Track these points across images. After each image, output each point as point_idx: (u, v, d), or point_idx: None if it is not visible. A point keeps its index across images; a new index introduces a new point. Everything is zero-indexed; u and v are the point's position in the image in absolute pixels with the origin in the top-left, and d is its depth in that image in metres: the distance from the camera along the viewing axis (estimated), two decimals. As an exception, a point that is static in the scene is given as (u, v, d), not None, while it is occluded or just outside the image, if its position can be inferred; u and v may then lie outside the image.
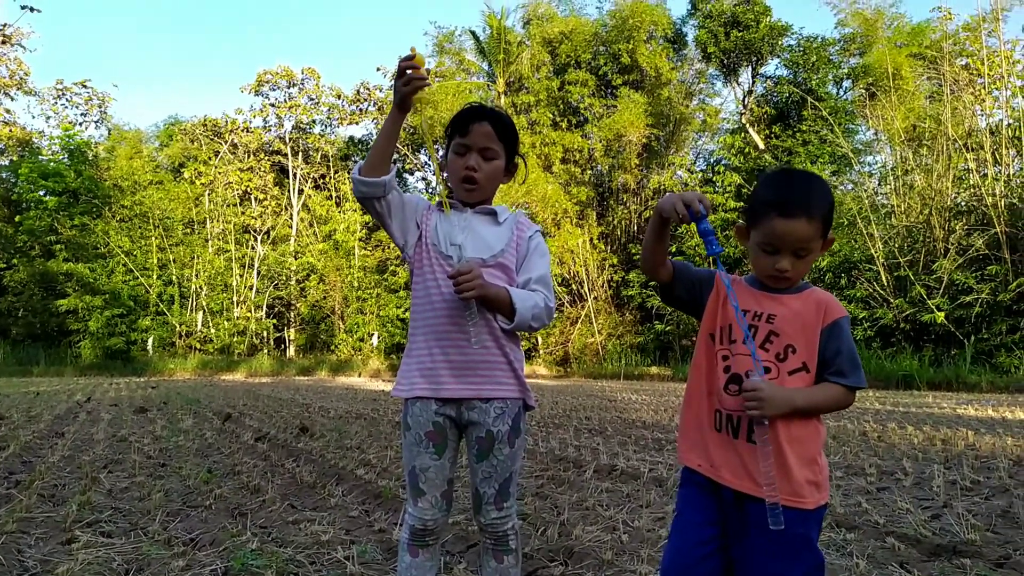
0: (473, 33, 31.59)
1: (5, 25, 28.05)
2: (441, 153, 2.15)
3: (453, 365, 1.95)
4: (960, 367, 16.38)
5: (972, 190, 19.36)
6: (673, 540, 1.68)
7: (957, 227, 18.78)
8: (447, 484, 2.01)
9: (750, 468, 1.57)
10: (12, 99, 34.43)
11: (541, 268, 2.05)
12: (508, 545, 2.04)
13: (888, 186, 21.71)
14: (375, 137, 1.95)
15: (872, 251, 19.22)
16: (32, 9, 14.71)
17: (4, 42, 26.82)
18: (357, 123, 36.92)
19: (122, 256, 29.35)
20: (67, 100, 35.98)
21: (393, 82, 1.84)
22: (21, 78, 33.68)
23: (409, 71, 1.80)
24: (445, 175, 2.09)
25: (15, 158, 33.74)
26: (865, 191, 21.91)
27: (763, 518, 1.52)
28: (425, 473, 1.97)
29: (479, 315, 1.91)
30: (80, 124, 36.02)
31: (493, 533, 2.03)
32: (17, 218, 29.96)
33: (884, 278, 18.97)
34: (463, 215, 2.04)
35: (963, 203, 19.75)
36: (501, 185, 2.19)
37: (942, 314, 17.20)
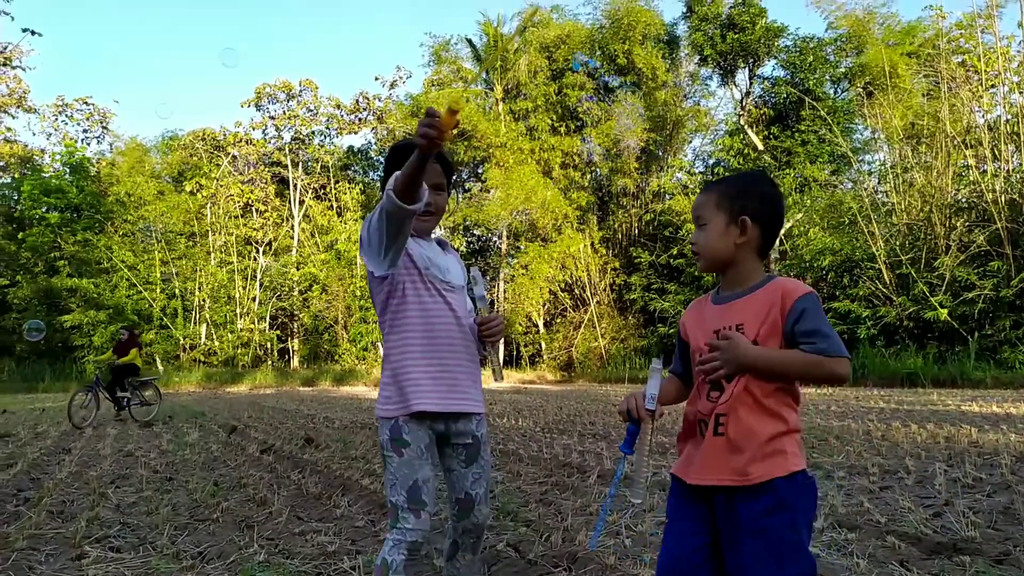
0: (469, 41, 31.71)
1: (6, 46, 28.19)
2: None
3: (450, 384, 2.07)
4: (964, 364, 16.37)
5: (972, 186, 19.37)
6: (665, 549, 1.71)
7: (958, 224, 18.79)
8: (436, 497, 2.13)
9: (718, 461, 1.62)
10: (13, 117, 34.62)
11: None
12: (483, 535, 2.23)
13: (888, 184, 21.74)
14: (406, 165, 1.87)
15: (874, 249, 19.23)
16: (33, 32, 14.85)
17: (5, 63, 26.96)
18: (356, 132, 37.08)
19: (125, 270, 29.43)
20: (68, 116, 36.19)
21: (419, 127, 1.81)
22: (21, 96, 33.86)
23: (430, 128, 1.76)
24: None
25: (16, 175, 33.91)
26: (865, 189, 21.94)
27: (753, 522, 1.56)
28: (427, 484, 2.02)
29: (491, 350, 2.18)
30: (82, 140, 36.24)
31: (478, 529, 2.18)
32: (20, 235, 30.08)
33: (886, 276, 18.98)
34: (429, 243, 2.20)
35: (963, 200, 19.77)
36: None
37: (945, 311, 17.19)
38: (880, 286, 18.98)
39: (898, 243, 19.46)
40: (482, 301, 2.19)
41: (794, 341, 1.61)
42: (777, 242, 24.12)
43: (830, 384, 1.66)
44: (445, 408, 2.06)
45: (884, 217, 20.73)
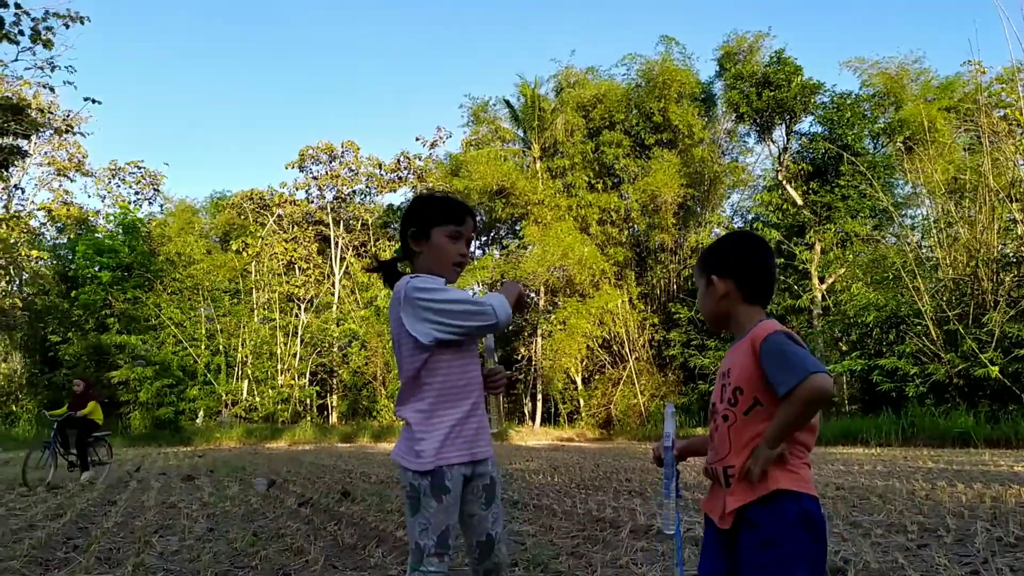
0: (507, 102, 32.47)
1: (68, 113, 29.73)
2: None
3: (480, 431, 2.25)
4: (1019, 423, 15.77)
5: (1019, 241, 19.00)
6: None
7: (1006, 279, 18.36)
8: None
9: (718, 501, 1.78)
10: (72, 180, 36.28)
11: None
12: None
13: (932, 239, 21.41)
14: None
15: (920, 305, 18.84)
16: (94, 100, 15.70)
17: (67, 130, 28.46)
18: (395, 191, 37.97)
19: (172, 327, 30.16)
20: (120, 180, 37.84)
21: None
22: (79, 161, 35.54)
23: None
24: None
25: (72, 236, 35.32)
26: (908, 244, 21.63)
27: (748, 541, 1.69)
28: (454, 531, 2.16)
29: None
30: (135, 202, 37.76)
31: (499, 568, 2.28)
32: (73, 293, 31.15)
33: (934, 332, 18.53)
34: None
35: (1011, 254, 19.38)
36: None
37: (996, 368, 16.69)
38: (927, 343, 18.52)
39: (944, 298, 19.05)
40: (489, 353, 2.31)
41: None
42: (820, 297, 23.97)
43: (822, 407, 1.66)
44: (477, 456, 2.21)
45: (929, 272, 20.36)
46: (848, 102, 25.84)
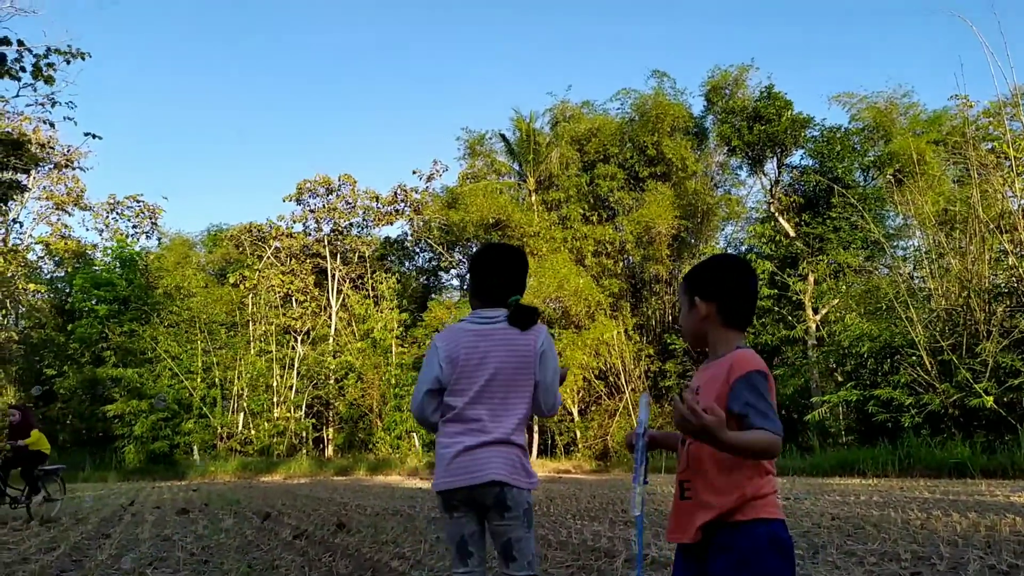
0: (503, 136, 32.82)
1: (68, 148, 29.98)
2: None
3: None
4: (1015, 453, 15.76)
5: (1010, 271, 19.15)
6: None
7: (998, 309, 18.48)
8: None
9: (683, 521, 1.84)
10: (70, 214, 36.44)
11: None
12: None
13: (924, 270, 21.57)
14: None
15: (913, 335, 18.91)
16: (95, 136, 15.84)
17: (66, 165, 28.68)
18: (392, 223, 38.15)
19: (168, 360, 30.07)
20: (119, 213, 38.02)
21: None
22: (78, 195, 35.73)
23: None
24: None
25: (70, 269, 35.35)
26: (901, 275, 21.79)
27: (721, 564, 1.74)
28: None
29: None
30: (132, 235, 37.89)
31: None
32: (69, 327, 31.09)
33: (928, 363, 18.58)
34: None
35: (1002, 284, 19.51)
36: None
37: (991, 398, 16.72)
38: (922, 373, 18.56)
39: (938, 329, 19.14)
40: None
41: (737, 416, 1.75)
42: (814, 328, 24.03)
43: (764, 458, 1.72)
44: None
45: (922, 303, 20.46)
46: (838, 135, 26.20)
